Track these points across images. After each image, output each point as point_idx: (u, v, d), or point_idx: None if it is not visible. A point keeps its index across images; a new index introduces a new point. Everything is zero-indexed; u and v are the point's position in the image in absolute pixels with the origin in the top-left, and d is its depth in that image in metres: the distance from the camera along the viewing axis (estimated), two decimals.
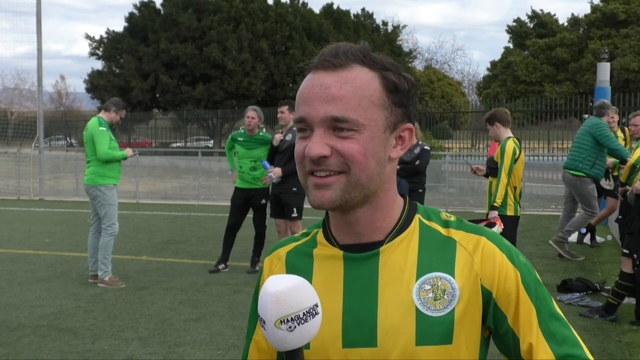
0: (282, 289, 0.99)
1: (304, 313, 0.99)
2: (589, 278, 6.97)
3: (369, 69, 1.11)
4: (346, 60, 1.10)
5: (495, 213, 5.88)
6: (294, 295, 0.99)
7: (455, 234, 1.16)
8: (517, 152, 5.96)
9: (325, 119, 1.08)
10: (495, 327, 1.13)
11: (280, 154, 7.13)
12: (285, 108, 7.15)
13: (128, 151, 7.15)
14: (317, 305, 1.01)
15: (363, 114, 1.08)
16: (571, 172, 8.08)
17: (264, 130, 7.87)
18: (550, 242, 8.40)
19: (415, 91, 1.16)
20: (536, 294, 1.13)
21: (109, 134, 6.97)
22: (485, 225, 4.96)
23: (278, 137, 7.21)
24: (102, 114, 7.12)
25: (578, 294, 6.46)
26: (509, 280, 1.12)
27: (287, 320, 0.99)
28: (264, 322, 1.00)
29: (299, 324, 0.99)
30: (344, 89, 1.08)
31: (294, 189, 7.05)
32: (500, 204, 5.90)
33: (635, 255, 5.50)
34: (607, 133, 7.87)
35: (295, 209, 7.12)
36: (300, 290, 1.00)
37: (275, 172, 6.99)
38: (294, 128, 6.65)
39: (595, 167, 7.95)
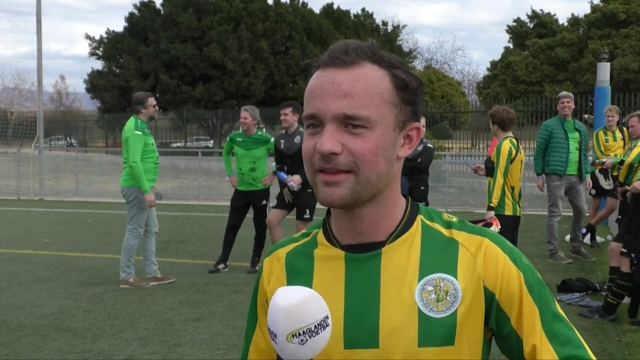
0: (293, 303, 0.98)
1: (315, 326, 0.98)
2: (589, 278, 6.98)
3: (379, 66, 1.11)
4: (356, 57, 1.10)
5: (491, 213, 5.85)
6: (305, 309, 0.98)
7: (458, 235, 1.16)
8: (514, 152, 5.92)
9: (337, 116, 1.07)
10: (498, 328, 1.13)
11: (290, 158, 7.06)
12: (289, 110, 7.05)
13: (149, 197, 6.73)
14: (327, 317, 1.00)
15: (374, 111, 1.08)
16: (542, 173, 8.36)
17: (264, 130, 7.84)
18: (571, 253, 8.40)
19: (422, 89, 1.16)
20: (539, 296, 1.13)
21: (144, 138, 6.77)
22: (482, 226, 4.96)
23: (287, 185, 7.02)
24: (138, 116, 6.91)
25: (578, 294, 6.47)
26: (512, 281, 1.12)
27: (299, 334, 0.98)
28: (275, 336, 1.00)
29: (310, 337, 0.98)
30: (356, 86, 1.08)
31: (309, 190, 7.01)
32: (496, 204, 5.88)
33: (633, 255, 5.50)
34: (539, 137, 8.21)
35: (308, 210, 7.11)
36: (311, 303, 0.99)
37: (295, 180, 6.89)
38: (301, 129, 6.58)
39: (551, 165, 8.15)
